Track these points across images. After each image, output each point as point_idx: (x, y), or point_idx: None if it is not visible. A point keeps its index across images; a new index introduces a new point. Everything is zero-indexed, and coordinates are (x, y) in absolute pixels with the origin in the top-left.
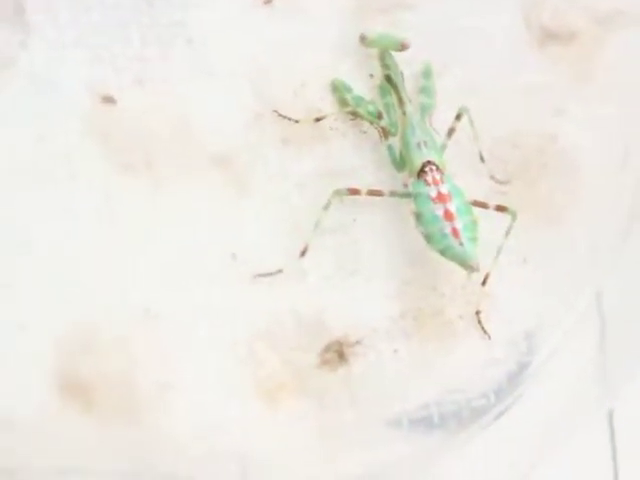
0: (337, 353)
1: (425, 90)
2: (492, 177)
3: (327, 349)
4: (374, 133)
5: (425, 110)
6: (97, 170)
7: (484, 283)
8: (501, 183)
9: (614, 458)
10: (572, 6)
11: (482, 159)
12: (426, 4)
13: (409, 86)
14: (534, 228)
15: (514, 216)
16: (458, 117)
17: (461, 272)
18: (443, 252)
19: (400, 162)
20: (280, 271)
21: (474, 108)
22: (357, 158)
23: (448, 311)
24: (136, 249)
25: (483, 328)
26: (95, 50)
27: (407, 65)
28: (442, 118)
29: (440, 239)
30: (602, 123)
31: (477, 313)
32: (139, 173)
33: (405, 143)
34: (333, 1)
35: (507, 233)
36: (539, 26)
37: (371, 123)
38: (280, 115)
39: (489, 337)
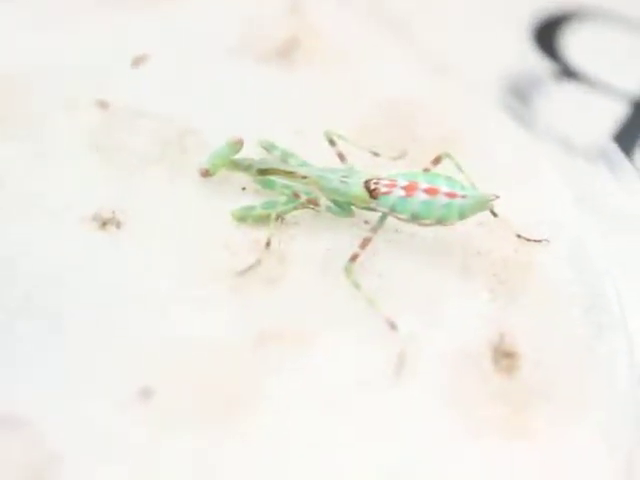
0: (505, 355)
1: (285, 156)
2: (394, 158)
3: (495, 361)
4: (309, 212)
5: (306, 163)
6: None
7: (495, 214)
8: (401, 156)
9: None
10: None
11: (375, 154)
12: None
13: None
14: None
15: (449, 155)
16: (331, 143)
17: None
18: (462, 215)
19: (348, 207)
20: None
21: (320, 120)
22: (324, 239)
23: (502, 255)
24: None
25: (535, 240)
26: None
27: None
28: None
29: (449, 211)
30: None
31: (518, 236)
32: None
33: (333, 191)
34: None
35: (460, 169)
36: None
37: (300, 207)
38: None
39: (547, 240)
